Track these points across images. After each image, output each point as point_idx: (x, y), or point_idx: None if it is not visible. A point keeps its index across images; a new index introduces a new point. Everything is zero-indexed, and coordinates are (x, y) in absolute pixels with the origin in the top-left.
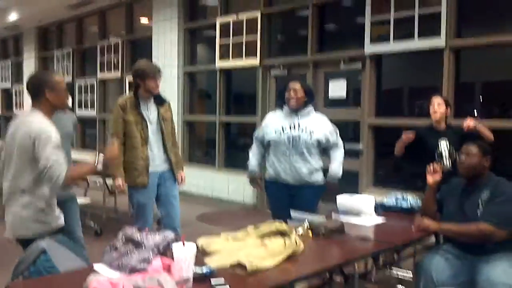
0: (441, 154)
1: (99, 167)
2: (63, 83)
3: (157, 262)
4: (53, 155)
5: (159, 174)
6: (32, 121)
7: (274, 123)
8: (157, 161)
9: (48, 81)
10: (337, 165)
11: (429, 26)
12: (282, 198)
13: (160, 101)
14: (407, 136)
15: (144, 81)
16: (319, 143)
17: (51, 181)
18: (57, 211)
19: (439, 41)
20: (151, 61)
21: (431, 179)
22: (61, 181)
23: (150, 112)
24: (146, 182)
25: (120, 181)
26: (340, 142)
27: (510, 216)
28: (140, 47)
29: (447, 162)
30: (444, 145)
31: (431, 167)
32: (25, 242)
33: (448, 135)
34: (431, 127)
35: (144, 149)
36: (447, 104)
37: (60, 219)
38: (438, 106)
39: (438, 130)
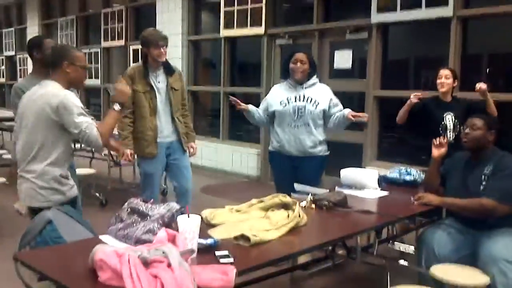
0: (445, 127)
1: (116, 108)
2: (84, 61)
3: (162, 233)
4: (81, 121)
5: (168, 145)
6: (49, 92)
7: (279, 95)
8: (165, 132)
9: (68, 54)
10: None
11: None
12: (286, 170)
13: (169, 70)
14: (415, 97)
15: (148, 49)
16: (324, 113)
17: (91, 144)
18: (71, 181)
19: (446, 11)
20: (155, 28)
21: (436, 152)
22: (100, 142)
23: (159, 81)
24: (155, 152)
25: (128, 151)
26: None
27: None
28: (144, 14)
29: (451, 135)
30: (449, 118)
31: (437, 140)
32: (38, 212)
33: (453, 108)
34: (437, 99)
35: (152, 119)
36: (454, 76)
37: (74, 189)
38: (445, 78)
39: (444, 103)
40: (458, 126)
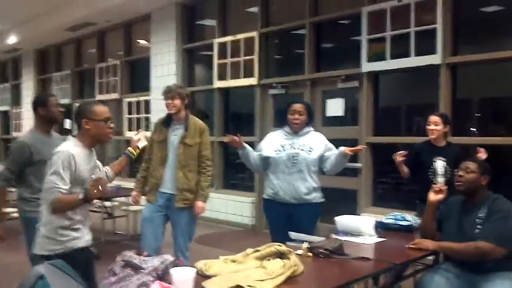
0: (434, 171)
1: (80, 196)
2: (103, 113)
3: (156, 286)
4: (49, 179)
5: (168, 197)
6: (59, 147)
7: (274, 142)
8: (168, 183)
9: (86, 110)
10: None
11: (425, 43)
12: (281, 218)
13: (185, 125)
14: (400, 156)
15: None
16: (320, 159)
17: (45, 203)
18: (80, 232)
19: (435, 58)
20: (149, 82)
21: (433, 196)
22: (49, 207)
23: (175, 133)
24: (153, 200)
25: (134, 192)
26: None
27: (508, 233)
28: (139, 68)
29: (440, 180)
30: (439, 163)
31: (437, 186)
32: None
33: (445, 153)
34: (429, 143)
35: (159, 168)
36: (444, 121)
37: (78, 240)
38: (434, 125)
39: (434, 147)
40: (449, 171)
